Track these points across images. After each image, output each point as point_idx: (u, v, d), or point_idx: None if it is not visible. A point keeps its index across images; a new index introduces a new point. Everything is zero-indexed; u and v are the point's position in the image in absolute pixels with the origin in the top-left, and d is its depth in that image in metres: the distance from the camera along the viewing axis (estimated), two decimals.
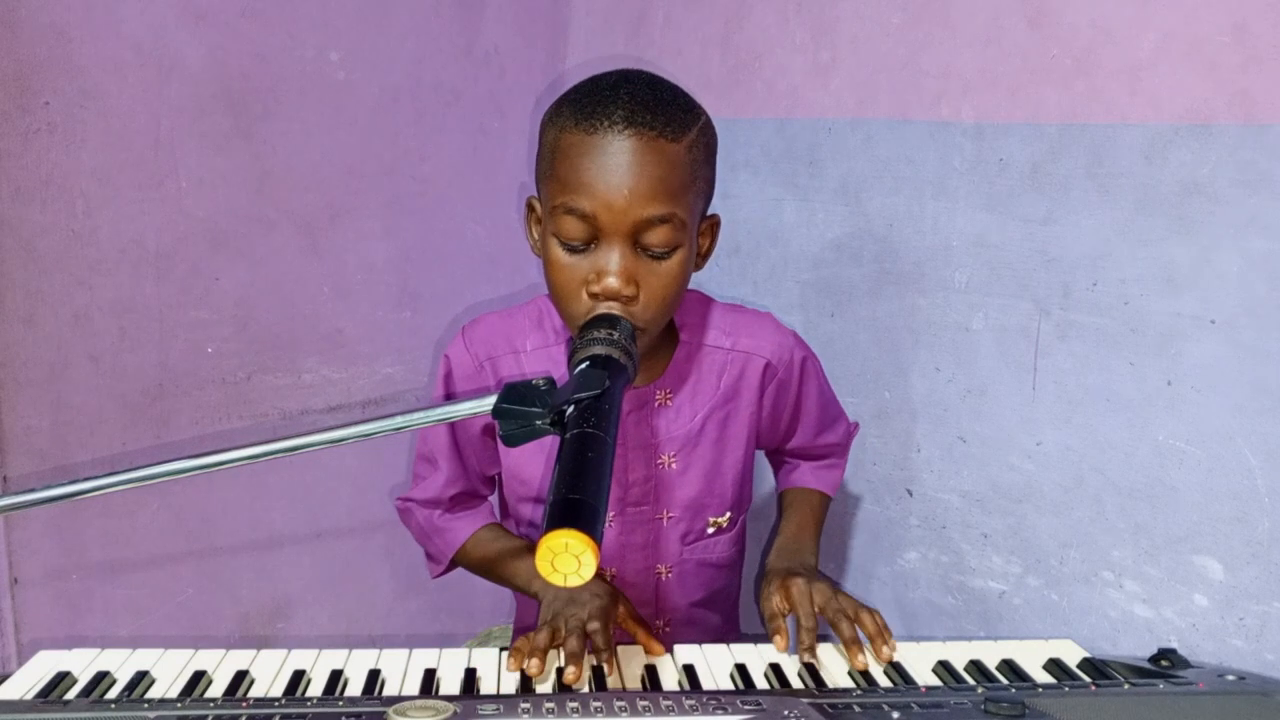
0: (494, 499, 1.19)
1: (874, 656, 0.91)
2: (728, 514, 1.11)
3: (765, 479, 1.29)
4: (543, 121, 0.93)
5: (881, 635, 0.92)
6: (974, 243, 1.29)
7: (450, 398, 1.07)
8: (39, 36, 1.19)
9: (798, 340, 1.12)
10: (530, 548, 1.08)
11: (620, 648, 0.93)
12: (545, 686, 0.87)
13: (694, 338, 1.05)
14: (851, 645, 0.90)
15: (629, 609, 0.98)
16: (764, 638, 0.96)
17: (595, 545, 0.57)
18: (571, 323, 0.89)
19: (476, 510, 1.15)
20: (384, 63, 1.59)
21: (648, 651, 0.94)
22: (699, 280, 1.21)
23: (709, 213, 0.95)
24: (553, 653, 0.90)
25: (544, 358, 1.03)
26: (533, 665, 0.86)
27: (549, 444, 1.05)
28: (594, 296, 0.86)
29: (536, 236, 0.96)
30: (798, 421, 1.15)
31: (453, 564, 1.15)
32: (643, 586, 1.10)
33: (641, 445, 1.04)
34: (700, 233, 0.94)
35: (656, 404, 1.04)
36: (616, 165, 0.83)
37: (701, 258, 0.96)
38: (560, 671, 0.87)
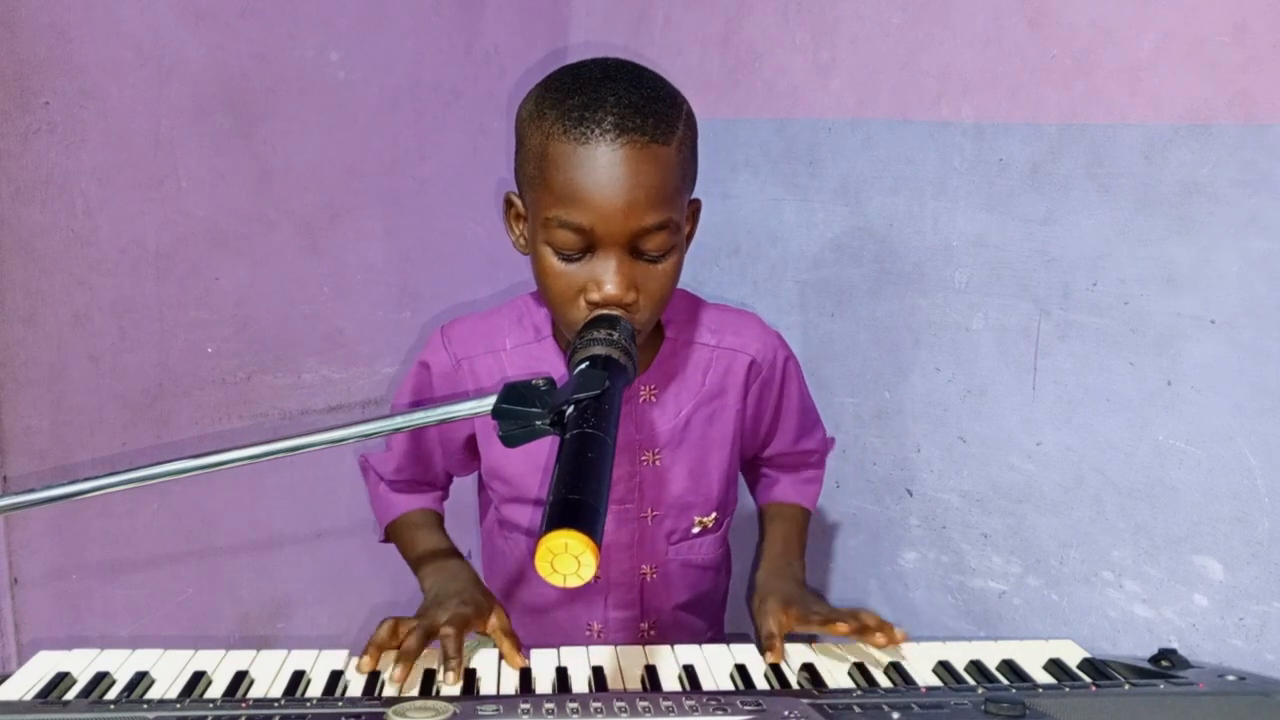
0: (484, 501, 1.19)
1: (888, 640, 0.90)
2: (713, 514, 1.10)
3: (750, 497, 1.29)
4: (522, 117, 0.90)
5: (883, 626, 0.91)
6: (974, 243, 1.29)
7: (419, 402, 1.07)
8: (39, 36, 1.19)
9: (781, 341, 1.12)
10: (442, 550, 1.07)
11: (620, 648, 0.93)
12: (544, 686, 0.87)
13: (680, 334, 1.05)
14: (865, 633, 0.90)
15: (502, 622, 0.94)
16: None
17: (595, 546, 0.57)
18: (569, 328, 0.88)
19: (422, 495, 1.16)
20: (384, 63, 1.59)
21: (508, 662, 0.90)
22: (695, 282, 1.21)
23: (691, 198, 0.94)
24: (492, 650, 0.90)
25: (524, 355, 1.03)
26: (363, 663, 0.84)
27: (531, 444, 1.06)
28: (593, 304, 0.86)
29: (519, 233, 0.95)
30: (778, 424, 1.15)
31: (388, 536, 1.16)
32: (627, 587, 1.09)
33: (626, 441, 1.03)
34: (684, 219, 0.93)
35: (641, 400, 1.03)
36: (611, 177, 0.82)
37: (686, 241, 0.95)
38: (560, 670, 0.87)
